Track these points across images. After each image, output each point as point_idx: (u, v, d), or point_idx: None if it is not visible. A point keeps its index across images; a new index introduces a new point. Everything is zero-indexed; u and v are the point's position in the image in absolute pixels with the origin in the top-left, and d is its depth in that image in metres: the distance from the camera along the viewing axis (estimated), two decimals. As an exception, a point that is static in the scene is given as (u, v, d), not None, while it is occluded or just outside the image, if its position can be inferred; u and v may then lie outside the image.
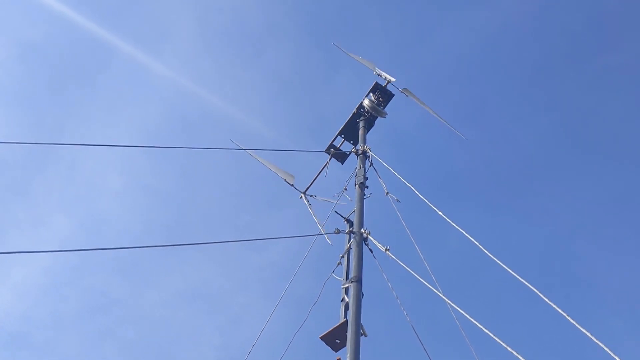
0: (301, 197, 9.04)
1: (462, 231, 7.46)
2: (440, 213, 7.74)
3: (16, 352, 20.03)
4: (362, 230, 7.76)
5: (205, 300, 20.73)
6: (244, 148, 9.12)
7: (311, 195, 9.05)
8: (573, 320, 5.93)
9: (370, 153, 8.94)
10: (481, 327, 6.36)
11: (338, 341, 6.93)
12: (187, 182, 21.94)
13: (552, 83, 23.40)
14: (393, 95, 9.73)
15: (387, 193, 8.45)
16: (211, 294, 20.89)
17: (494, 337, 6.19)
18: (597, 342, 5.57)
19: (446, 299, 7.02)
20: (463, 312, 6.67)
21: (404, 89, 9.82)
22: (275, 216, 21.20)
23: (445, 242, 18.90)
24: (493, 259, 6.96)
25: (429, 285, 7.13)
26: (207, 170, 22.23)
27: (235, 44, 23.88)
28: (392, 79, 9.72)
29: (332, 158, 9.55)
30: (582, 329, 5.73)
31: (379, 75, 9.80)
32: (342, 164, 9.59)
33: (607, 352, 5.50)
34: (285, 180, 9.04)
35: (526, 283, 6.52)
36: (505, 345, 6.03)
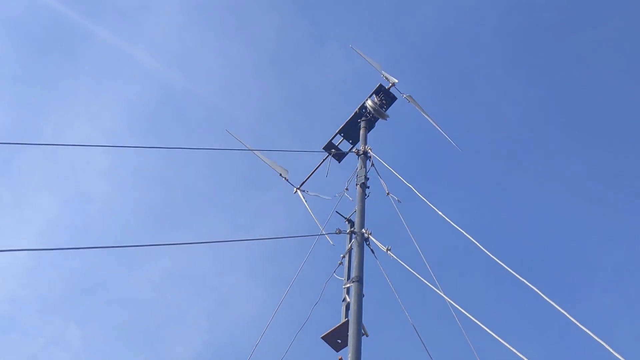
0: (295, 192, 9.04)
1: (462, 231, 7.48)
2: (440, 213, 7.76)
3: (4, 335, 20.10)
4: (363, 230, 7.78)
5: (193, 282, 20.79)
6: (242, 143, 9.08)
7: (304, 191, 9.04)
8: (575, 319, 5.94)
9: (371, 153, 8.96)
10: (482, 325, 6.38)
11: (339, 341, 6.96)
12: (173, 162, 22.03)
13: (540, 56, 23.34)
14: (396, 98, 9.74)
15: (388, 193, 8.48)
16: (199, 274, 20.94)
17: (495, 335, 6.20)
18: (597, 338, 5.58)
19: (447, 298, 7.04)
20: (464, 311, 6.69)
21: (408, 95, 9.83)
22: (261, 197, 21.31)
23: (446, 242, 18.90)
24: (494, 259, 6.99)
25: (430, 285, 7.15)
26: (192, 150, 22.14)
27: (218, 16, 23.78)
28: (395, 80, 9.76)
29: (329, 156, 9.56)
30: (582, 326, 5.74)
31: (385, 78, 9.80)
32: (339, 162, 9.60)
33: (608, 350, 5.51)
34: (280, 174, 9.01)
35: (529, 284, 6.54)
36: (506, 344, 6.04)
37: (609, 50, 23.11)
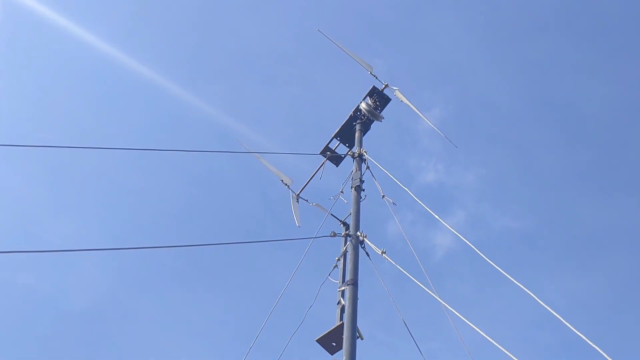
0: (298, 200, 9.06)
1: (457, 234, 7.54)
2: (436, 216, 7.80)
3: None
4: (358, 233, 7.78)
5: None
6: (251, 152, 9.21)
7: (306, 200, 9.10)
8: (568, 323, 5.97)
9: (366, 156, 8.95)
10: (477, 329, 6.40)
11: (334, 344, 6.95)
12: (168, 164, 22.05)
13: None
14: (390, 99, 9.72)
15: (383, 196, 8.48)
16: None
17: (490, 339, 6.23)
18: (593, 345, 5.61)
19: (442, 301, 7.06)
20: (458, 314, 6.72)
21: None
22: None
23: (441, 244, 18.93)
24: (488, 261, 7.02)
25: (425, 288, 7.17)
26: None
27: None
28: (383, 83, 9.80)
29: (327, 160, 9.56)
30: (578, 332, 5.76)
31: (375, 77, 9.80)
32: (336, 166, 9.59)
33: (602, 354, 5.55)
34: (282, 181, 9.06)
35: (521, 286, 6.57)
36: (501, 348, 6.06)
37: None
